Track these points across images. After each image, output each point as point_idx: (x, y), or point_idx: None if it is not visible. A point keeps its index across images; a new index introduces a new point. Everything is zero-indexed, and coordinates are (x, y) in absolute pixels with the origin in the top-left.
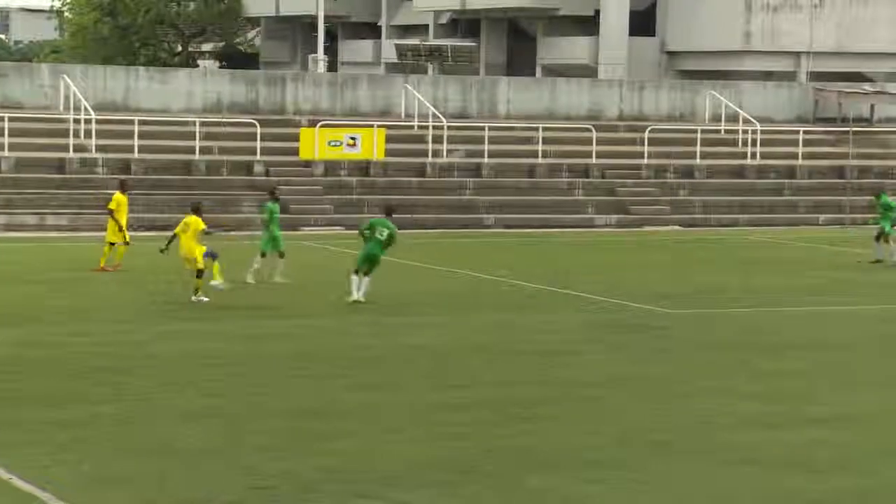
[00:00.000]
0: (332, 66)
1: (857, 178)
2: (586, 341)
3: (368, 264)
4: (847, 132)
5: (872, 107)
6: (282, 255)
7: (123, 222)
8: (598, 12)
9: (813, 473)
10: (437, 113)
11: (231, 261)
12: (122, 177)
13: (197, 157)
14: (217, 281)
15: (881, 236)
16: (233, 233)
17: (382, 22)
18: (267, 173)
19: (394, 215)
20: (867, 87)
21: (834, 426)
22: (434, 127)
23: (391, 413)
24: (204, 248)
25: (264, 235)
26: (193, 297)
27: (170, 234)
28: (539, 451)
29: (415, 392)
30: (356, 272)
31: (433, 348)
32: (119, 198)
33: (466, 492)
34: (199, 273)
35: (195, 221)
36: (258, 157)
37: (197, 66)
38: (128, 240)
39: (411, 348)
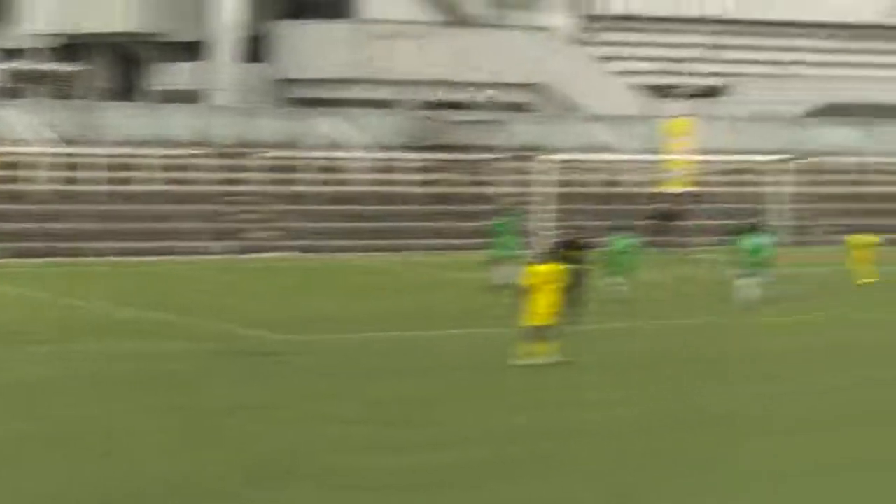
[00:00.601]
0: None
1: (463, 205)
2: (192, 368)
3: None
4: (451, 159)
5: (479, 134)
6: None
7: None
8: (207, 38)
9: (419, 497)
10: (42, 138)
11: None
12: None
13: None
14: None
15: (498, 259)
16: None
17: None
18: None
19: None
20: (473, 115)
21: (440, 449)
22: (40, 153)
23: None
24: None
25: None
26: None
27: None
28: (144, 483)
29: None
30: None
31: (43, 379)
32: None
33: None
34: None
35: None
36: None
37: None
38: None
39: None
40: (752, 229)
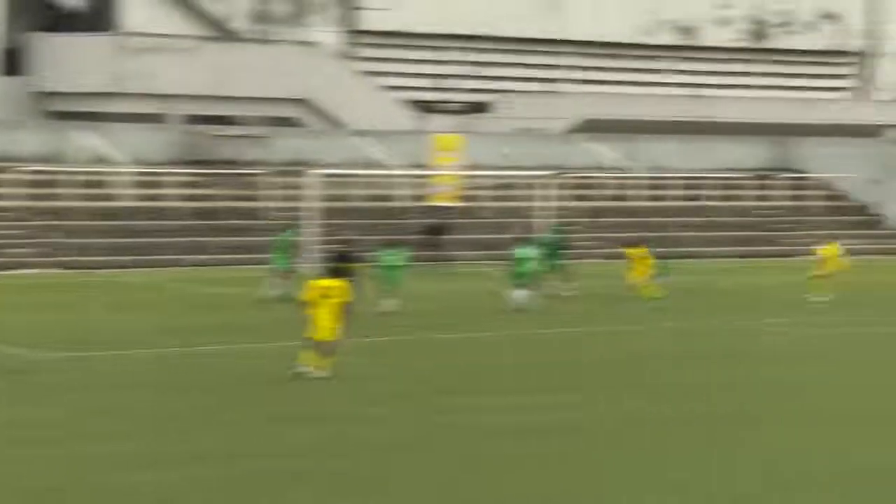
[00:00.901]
0: None
1: (231, 220)
2: None
3: None
4: (218, 174)
5: (245, 149)
6: None
7: None
8: None
9: None
10: None
11: None
12: None
13: None
14: None
15: (273, 273)
16: None
17: None
18: None
19: None
20: (236, 130)
21: (211, 463)
22: None
23: None
24: None
25: None
26: None
27: None
28: None
29: None
30: None
31: None
32: None
33: None
34: None
35: None
36: None
37: None
38: None
39: None
40: (525, 242)
